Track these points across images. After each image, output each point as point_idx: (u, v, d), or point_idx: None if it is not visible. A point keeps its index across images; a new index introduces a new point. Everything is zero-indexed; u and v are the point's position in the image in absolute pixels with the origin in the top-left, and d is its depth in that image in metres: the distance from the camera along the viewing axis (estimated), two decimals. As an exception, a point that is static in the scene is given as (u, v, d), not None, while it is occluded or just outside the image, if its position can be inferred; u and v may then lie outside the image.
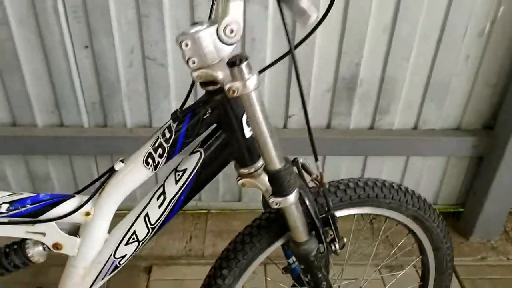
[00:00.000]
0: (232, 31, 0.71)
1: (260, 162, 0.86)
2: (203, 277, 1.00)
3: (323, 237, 0.87)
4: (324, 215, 0.90)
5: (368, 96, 1.60)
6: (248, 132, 0.82)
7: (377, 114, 1.64)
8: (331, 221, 0.91)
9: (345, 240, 0.96)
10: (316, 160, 0.83)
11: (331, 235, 0.93)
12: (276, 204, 0.81)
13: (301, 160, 0.97)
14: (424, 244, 1.10)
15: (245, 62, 0.69)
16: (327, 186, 0.90)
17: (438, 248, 1.11)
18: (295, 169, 0.88)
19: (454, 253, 1.72)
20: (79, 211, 0.87)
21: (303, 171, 0.93)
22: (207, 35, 0.70)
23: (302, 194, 0.85)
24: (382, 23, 1.46)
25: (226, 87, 0.70)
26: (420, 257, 1.15)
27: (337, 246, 0.94)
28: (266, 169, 0.79)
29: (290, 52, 0.75)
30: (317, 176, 0.89)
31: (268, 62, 1.42)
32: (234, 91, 0.69)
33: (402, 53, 1.51)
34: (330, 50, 1.50)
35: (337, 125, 1.66)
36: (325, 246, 0.88)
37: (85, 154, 1.67)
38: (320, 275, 0.90)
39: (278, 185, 0.80)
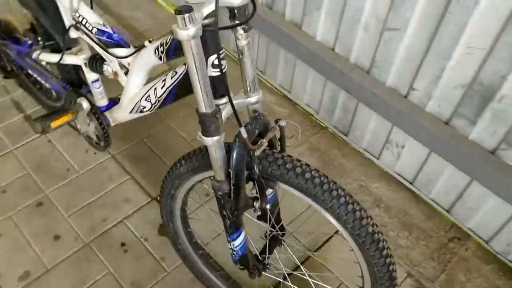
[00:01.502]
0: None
1: (223, 101, 0.98)
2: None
3: (232, 187, 0.98)
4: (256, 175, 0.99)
5: (502, 117, 1.30)
6: (211, 72, 0.93)
7: (505, 141, 1.34)
8: (256, 183, 1.00)
9: (268, 206, 1.04)
10: (241, 125, 0.90)
11: (254, 194, 1.03)
12: (199, 138, 0.95)
13: (282, 124, 1.03)
14: (363, 268, 1.06)
15: (188, 14, 0.78)
16: (257, 153, 0.96)
17: (375, 282, 1.05)
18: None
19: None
20: (124, 59, 1.19)
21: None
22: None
23: (233, 145, 0.95)
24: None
25: (171, 27, 0.82)
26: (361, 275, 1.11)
27: (256, 205, 1.04)
28: (196, 109, 0.92)
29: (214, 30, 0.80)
30: (256, 141, 0.97)
31: (413, 21, 1.31)
32: (173, 34, 0.82)
33: None
34: (480, 43, 1.23)
35: (457, 126, 1.43)
36: (233, 195, 0.99)
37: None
38: (224, 213, 1.03)
39: (201, 126, 0.92)
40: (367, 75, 1.59)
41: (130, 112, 1.31)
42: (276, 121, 1.04)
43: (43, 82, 1.62)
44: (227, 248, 1.13)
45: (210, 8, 0.85)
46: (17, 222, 1.66)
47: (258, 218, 1.23)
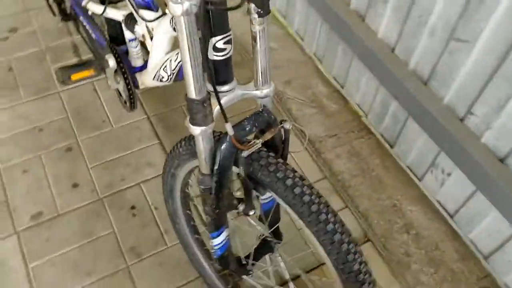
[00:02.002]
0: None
1: (224, 88, 0.88)
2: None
3: (214, 184, 0.89)
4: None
5: None
6: (212, 55, 0.83)
7: None
8: (241, 183, 0.91)
9: (252, 212, 0.95)
10: (227, 121, 0.80)
11: (239, 195, 0.94)
12: (186, 124, 0.86)
13: (287, 126, 0.92)
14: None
15: (180, -13, 0.69)
16: (245, 154, 0.85)
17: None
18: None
19: None
20: (149, 23, 1.13)
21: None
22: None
23: (221, 140, 0.86)
24: None
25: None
26: None
27: (240, 208, 0.95)
28: (185, 93, 0.82)
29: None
30: (246, 142, 0.86)
31: (485, 35, 1.12)
32: (167, 8, 0.73)
33: None
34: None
35: (513, 166, 1.22)
36: (214, 192, 0.90)
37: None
38: (206, 208, 0.95)
39: (188, 112, 0.83)
40: (424, 87, 1.40)
41: (153, 79, 1.26)
42: (281, 122, 0.92)
43: (90, 31, 1.61)
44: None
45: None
46: (45, 162, 1.71)
47: (259, 218, 1.14)
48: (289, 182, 0.87)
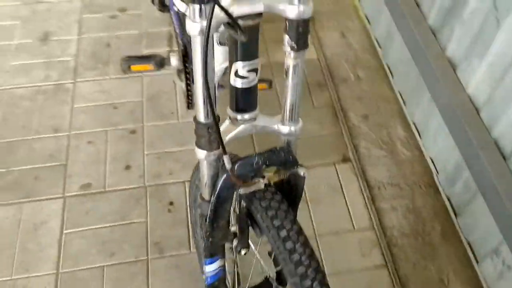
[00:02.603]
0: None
1: (244, 116, 0.83)
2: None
3: (209, 212, 0.84)
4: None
5: None
6: (233, 80, 0.78)
7: None
8: (236, 218, 0.85)
9: (243, 252, 0.88)
10: (225, 153, 0.74)
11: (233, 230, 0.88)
12: (195, 145, 0.82)
13: (301, 172, 0.84)
14: None
15: (198, 6, 0.65)
16: (241, 191, 0.79)
17: None
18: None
19: None
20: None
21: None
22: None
23: (224, 169, 0.81)
24: None
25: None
26: None
27: (234, 243, 0.89)
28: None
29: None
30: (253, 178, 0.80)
31: None
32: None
33: None
34: None
35: None
36: (208, 221, 0.85)
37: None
38: (198, 232, 0.91)
39: (195, 133, 0.79)
40: (502, 161, 1.20)
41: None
42: (297, 166, 0.84)
43: (175, 26, 1.65)
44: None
45: (245, 9, 0.70)
46: (109, 138, 1.79)
47: (269, 253, 1.07)
48: (283, 233, 0.79)
